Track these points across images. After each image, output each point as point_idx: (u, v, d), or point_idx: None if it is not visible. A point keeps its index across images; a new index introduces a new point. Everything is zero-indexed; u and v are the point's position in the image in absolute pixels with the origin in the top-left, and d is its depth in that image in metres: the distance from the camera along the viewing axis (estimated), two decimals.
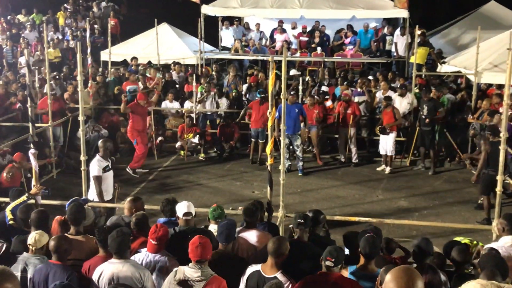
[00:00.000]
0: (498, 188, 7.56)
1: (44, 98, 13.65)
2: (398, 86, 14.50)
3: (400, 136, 13.81)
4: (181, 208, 6.41)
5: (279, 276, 5.32)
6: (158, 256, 5.75)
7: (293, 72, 17.79)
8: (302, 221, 6.06)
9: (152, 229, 5.78)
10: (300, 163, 13.29)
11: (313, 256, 5.85)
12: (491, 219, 10.10)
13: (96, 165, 9.05)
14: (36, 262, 5.70)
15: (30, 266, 5.69)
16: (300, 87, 14.61)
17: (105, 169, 9.18)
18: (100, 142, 9.33)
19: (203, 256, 5.21)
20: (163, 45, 18.77)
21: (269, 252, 5.40)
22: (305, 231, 6.11)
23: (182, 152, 14.57)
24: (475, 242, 6.76)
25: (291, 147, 13.35)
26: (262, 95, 13.68)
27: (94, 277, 5.44)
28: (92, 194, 9.06)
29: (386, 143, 13.34)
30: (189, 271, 5.20)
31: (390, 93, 14.28)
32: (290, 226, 6.60)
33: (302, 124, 13.33)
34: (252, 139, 14.10)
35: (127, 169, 13.17)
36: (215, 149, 14.81)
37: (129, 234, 5.73)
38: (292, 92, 13.44)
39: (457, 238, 6.84)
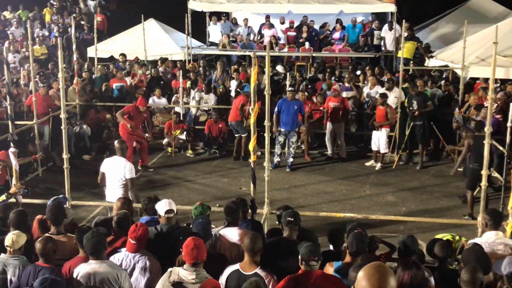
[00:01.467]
0: (483, 183, 7.54)
1: (31, 95, 13.53)
2: (386, 80, 14.45)
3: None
4: (162, 206, 6.34)
5: (259, 271, 5.29)
6: (137, 256, 5.67)
7: (279, 68, 17.72)
8: (292, 219, 6.00)
9: (132, 228, 5.71)
10: (291, 159, 13.25)
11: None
12: (473, 214, 10.17)
13: (131, 167, 8.76)
14: (15, 263, 5.62)
15: (9, 267, 5.61)
16: (288, 83, 14.55)
17: None
18: (116, 143, 9.04)
19: (199, 258, 5.12)
20: (150, 41, 18.67)
21: (245, 249, 5.37)
22: (295, 229, 6.05)
23: (169, 149, 14.50)
24: (457, 237, 6.74)
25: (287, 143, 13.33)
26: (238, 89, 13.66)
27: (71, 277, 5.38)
28: (114, 196, 8.63)
29: (379, 140, 13.26)
30: (184, 273, 5.12)
31: (377, 87, 14.25)
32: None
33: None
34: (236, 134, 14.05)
35: (139, 168, 13.00)
36: (203, 146, 14.74)
37: (105, 234, 5.66)
38: (289, 89, 13.39)
39: (439, 235, 6.81)
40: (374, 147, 13.47)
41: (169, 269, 5.27)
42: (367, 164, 13.56)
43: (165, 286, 5.12)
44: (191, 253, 5.10)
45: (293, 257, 5.71)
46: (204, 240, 5.68)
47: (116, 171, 8.73)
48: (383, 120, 13.12)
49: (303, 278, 5.14)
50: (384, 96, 13.19)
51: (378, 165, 13.34)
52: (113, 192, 8.73)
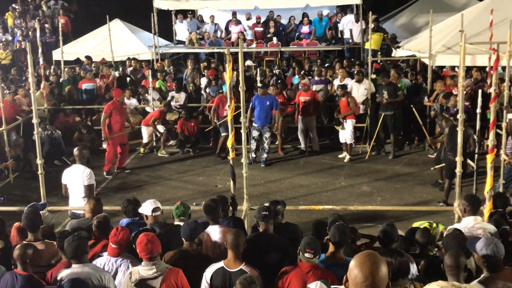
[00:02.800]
0: (458, 169, 7.66)
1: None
2: (355, 72, 14.56)
3: (360, 122, 13.84)
4: (148, 206, 6.33)
5: (244, 267, 5.31)
6: (119, 260, 5.65)
7: (248, 63, 17.72)
8: (267, 213, 6.03)
9: (112, 232, 5.67)
10: (265, 155, 13.29)
11: (281, 247, 5.85)
12: (447, 201, 10.35)
13: (91, 174, 8.39)
14: None
15: None
16: (258, 78, 14.56)
17: None
18: (75, 150, 8.63)
19: (154, 251, 5.18)
20: (116, 41, 18.46)
21: (229, 246, 5.38)
22: (270, 222, 6.08)
23: (142, 150, 14.38)
24: (434, 224, 6.85)
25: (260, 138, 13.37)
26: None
27: (55, 284, 5.30)
28: (76, 202, 8.47)
29: (345, 132, 13.37)
30: (144, 270, 5.16)
31: (347, 80, 14.35)
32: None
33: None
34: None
35: (104, 174, 12.83)
36: (175, 145, 14.67)
37: (86, 238, 5.61)
38: (259, 85, 13.40)
39: (416, 224, 6.91)
40: (342, 139, 13.55)
41: (128, 270, 5.31)
42: (340, 156, 13.67)
43: (129, 287, 5.14)
44: (146, 248, 5.16)
45: (272, 251, 5.74)
46: (188, 240, 5.69)
47: (77, 180, 8.33)
48: (347, 110, 13.20)
49: (300, 271, 5.25)
50: (344, 87, 13.30)
51: (347, 157, 13.43)
52: (78, 202, 8.38)
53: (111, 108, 12.74)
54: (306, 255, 5.26)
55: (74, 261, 5.30)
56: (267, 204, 6.60)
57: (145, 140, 14.41)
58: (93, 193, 8.45)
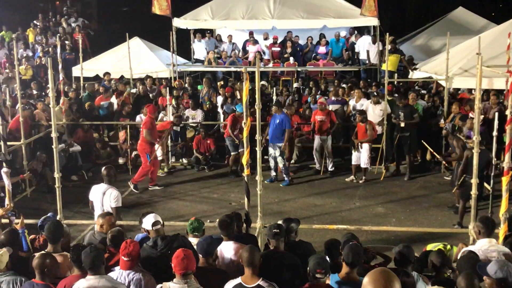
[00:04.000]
0: (473, 191, 7.64)
1: (16, 117, 13.47)
2: (373, 93, 14.59)
3: (376, 143, 13.82)
4: (148, 220, 6.37)
5: (262, 283, 5.29)
6: (132, 273, 5.64)
7: (262, 82, 17.79)
8: (278, 230, 6.05)
9: (122, 246, 5.68)
10: (284, 176, 13.36)
11: (292, 265, 5.85)
12: (462, 223, 10.29)
13: (119, 196, 8.52)
14: (7, 278, 5.64)
15: (3, 284, 5.61)
16: (274, 97, 14.67)
17: None
18: (103, 170, 8.76)
19: (189, 267, 5.13)
20: (135, 59, 18.70)
21: (245, 263, 5.37)
22: (281, 240, 6.10)
23: (160, 171, 14.33)
24: (448, 246, 6.82)
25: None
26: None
27: None
28: None
29: (361, 155, 13.24)
30: (175, 286, 5.11)
31: (363, 100, 14.38)
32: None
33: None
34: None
35: (129, 183, 12.94)
36: (190, 162, 14.75)
37: (103, 250, 5.65)
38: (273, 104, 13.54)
39: (430, 246, 6.89)
40: (354, 161, 13.40)
41: (159, 285, 5.26)
42: (347, 180, 13.46)
43: None
44: (181, 263, 5.10)
45: (284, 269, 5.75)
46: (204, 256, 5.70)
47: (102, 199, 8.48)
48: (364, 137, 13.12)
49: None
50: (362, 113, 13.23)
51: (362, 179, 13.36)
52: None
53: (150, 123, 12.87)
54: (317, 275, 5.22)
55: (91, 272, 5.31)
56: (280, 222, 6.61)
57: (159, 155, 14.36)
58: (119, 215, 8.55)
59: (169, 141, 14.53)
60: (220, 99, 16.16)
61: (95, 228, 7.99)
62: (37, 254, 5.64)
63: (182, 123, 14.80)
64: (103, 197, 8.49)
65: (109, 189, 8.50)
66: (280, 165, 13.28)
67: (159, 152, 14.01)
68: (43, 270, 5.39)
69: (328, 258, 6.19)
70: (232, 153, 13.86)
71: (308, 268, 5.33)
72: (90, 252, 5.35)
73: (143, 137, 12.89)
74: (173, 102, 15.30)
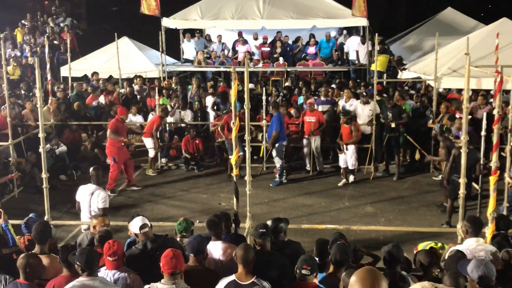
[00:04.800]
0: (461, 191, 7.66)
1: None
2: (363, 94, 14.61)
3: (365, 143, 13.84)
4: (136, 223, 6.30)
5: (256, 281, 5.30)
6: (117, 273, 5.59)
7: (251, 86, 17.73)
8: (264, 230, 6.05)
9: (106, 247, 5.62)
10: (277, 176, 13.44)
11: (279, 265, 5.84)
12: (451, 222, 10.34)
13: (106, 197, 8.61)
14: None
15: None
16: (264, 97, 14.62)
17: None
18: (92, 170, 8.82)
19: (178, 267, 5.11)
20: (124, 59, 18.62)
21: (239, 260, 5.37)
22: (267, 240, 6.09)
23: (150, 171, 14.28)
24: (439, 244, 6.83)
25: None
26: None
27: None
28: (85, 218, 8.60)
29: (348, 157, 13.20)
30: (163, 287, 5.09)
31: (353, 100, 14.41)
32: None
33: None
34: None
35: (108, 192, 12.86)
36: (182, 163, 14.73)
37: (98, 252, 5.61)
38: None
39: (421, 245, 6.89)
40: (342, 164, 13.38)
41: (146, 286, 5.22)
42: (340, 184, 13.35)
43: None
44: (170, 262, 5.10)
45: (270, 269, 5.73)
46: (194, 255, 5.68)
47: (87, 198, 8.53)
48: (349, 138, 13.11)
49: None
50: (346, 114, 13.23)
51: (351, 178, 13.33)
52: (86, 219, 8.49)
53: (116, 124, 12.86)
54: (303, 271, 5.24)
55: (85, 273, 5.21)
56: (268, 222, 6.59)
57: (151, 154, 14.29)
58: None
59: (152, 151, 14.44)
60: (209, 100, 16.11)
61: (86, 228, 8.00)
62: (21, 255, 5.59)
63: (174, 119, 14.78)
64: (91, 197, 8.50)
65: (97, 190, 8.52)
66: (277, 165, 13.29)
67: (151, 151, 14.00)
68: (26, 270, 5.34)
69: (317, 257, 6.20)
70: (230, 156, 13.46)
71: (296, 266, 5.33)
72: (86, 250, 5.30)
73: (109, 140, 12.88)
74: (161, 101, 15.23)
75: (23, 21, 24.87)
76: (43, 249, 6.07)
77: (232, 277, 5.37)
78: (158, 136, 14.24)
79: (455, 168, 10.26)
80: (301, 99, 15.50)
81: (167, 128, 15.39)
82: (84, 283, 5.16)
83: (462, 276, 5.08)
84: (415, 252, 6.69)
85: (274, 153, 13.21)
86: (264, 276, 5.54)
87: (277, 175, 13.41)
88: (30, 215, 7.35)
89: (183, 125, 15.36)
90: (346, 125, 13.07)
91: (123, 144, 12.99)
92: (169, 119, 14.94)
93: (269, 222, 6.55)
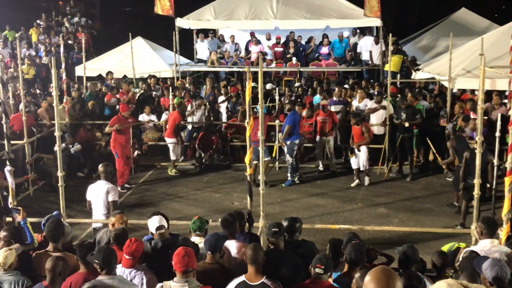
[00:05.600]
0: (476, 192, 7.64)
1: (15, 115, 13.50)
2: (375, 93, 14.59)
3: (379, 143, 13.81)
4: (153, 223, 6.32)
5: (266, 281, 5.31)
6: (133, 272, 5.64)
7: (269, 86, 17.74)
8: (277, 229, 6.06)
9: (126, 244, 5.68)
10: (288, 175, 13.43)
11: (292, 264, 5.85)
12: (465, 224, 10.30)
13: (116, 191, 8.60)
14: (10, 278, 5.60)
15: (5, 283, 5.59)
16: (277, 98, 14.68)
17: None
18: (100, 167, 8.81)
19: (190, 265, 5.12)
20: (138, 59, 18.74)
21: (248, 261, 5.38)
22: (281, 239, 6.10)
23: (173, 171, 14.34)
24: (463, 244, 6.79)
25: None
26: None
27: None
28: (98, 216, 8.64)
29: (360, 158, 13.15)
30: (176, 286, 5.10)
31: (366, 101, 14.39)
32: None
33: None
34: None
35: (119, 188, 12.96)
36: (196, 161, 14.77)
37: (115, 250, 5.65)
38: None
39: (446, 246, 6.82)
40: (354, 165, 13.33)
41: (159, 284, 5.25)
42: (352, 185, 13.29)
43: None
44: (182, 260, 5.10)
45: (283, 267, 5.74)
46: (211, 252, 5.70)
47: (100, 196, 8.51)
48: (360, 139, 13.05)
49: (311, 286, 5.24)
50: (356, 116, 13.17)
51: (367, 179, 13.22)
52: (99, 217, 8.54)
53: (115, 120, 13.00)
54: (317, 270, 5.27)
55: (104, 271, 5.25)
56: (284, 222, 6.59)
57: (172, 156, 14.30)
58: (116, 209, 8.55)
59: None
60: (221, 99, 16.16)
61: (98, 227, 8.05)
62: (49, 258, 5.58)
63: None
64: (104, 194, 8.53)
65: (107, 185, 8.54)
66: (288, 162, 13.32)
67: (173, 153, 13.99)
68: (54, 274, 5.36)
69: (331, 257, 6.21)
70: (254, 162, 12.67)
71: (310, 265, 5.35)
72: (105, 248, 5.34)
73: (113, 135, 13.03)
74: (175, 101, 15.29)
75: (38, 21, 25.04)
76: (56, 247, 6.12)
77: (242, 277, 5.39)
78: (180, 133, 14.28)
79: (468, 171, 10.23)
80: (317, 99, 15.44)
81: (187, 128, 15.37)
82: (102, 282, 5.20)
83: (478, 277, 5.07)
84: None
85: (285, 149, 13.23)
86: (277, 275, 5.56)
87: (288, 175, 13.38)
88: (54, 213, 7.43)
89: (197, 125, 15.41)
90: (357, 126, 13.03)
91: (125, 141, 13.12)
92: (189, 118, 14.97)
93: (284, 222, 6.55)
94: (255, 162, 12.14)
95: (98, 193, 8.54)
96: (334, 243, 6.33)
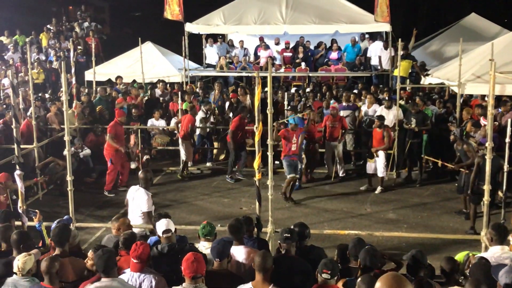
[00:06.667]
0: (486, 198, 7.60)
1: (25, 121, 13.60)
2: (385, 98, 14.55)
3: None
4: (160, 226, 6.34)
5: None
6: (142, 275, 5.64)
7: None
8: (289, 235, 6.04)
9: (132, 248, 5.68)
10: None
11: (303, 270, 5.83)
12: (475, 228, 10.26)
13: (148, 200, 8.59)
14: (26, 284, 5.58)
15: None
16: (286, 102, 14.66)
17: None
18: (140, 173, 8.82)
19: (199, 271, 5.12)
20: (147, 63, 18.79)
21: (256, 268, 5.35)
22: (292, 245, 6.08)
23: (184, 174, 14.42)
24: (477, 253, 6.73)
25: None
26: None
27: None
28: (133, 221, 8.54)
29: (377, 164, 13.03)
30: None
31: (375, 106, 14.36)
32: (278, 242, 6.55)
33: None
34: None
35: (106, 193, 13.09)
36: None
37: (114, 252, 5.66)
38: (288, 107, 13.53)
39: (460, 255, 6.77)
40: (369, 170, 13.24)
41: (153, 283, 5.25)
42: (362, 188, 13.27)
43: None
44: (191, 266, 5.10)
45: (294, 273, 5.73)
46: (219, 259, 5.69)
47: (136, 201, 8.65)
48: (380, 144, 12.93)
49: None
50: (381, 118, 13.05)
51: (379, 189, 13.08)
52: (134, 220, 8.49)
53: (115, 128, 13.02)
54: (324, 275, 5.24)
55: (104, 275, 5.31)
56: (293, 227, 6.58)
57: (183, 156, 14.21)
58: (151, 219, 8.41)
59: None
60: (227, 104, 16.21)
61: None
62: (44, 258, 5.65)
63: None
64: (133, 199, 8.64)
65: (143, 192, 8.60)
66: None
67: (184, 155, 13.99)
68: (51, 273, 5.41)
69: (339, 263, 6.19)
70: (288, 176, 12.29)
71: (316, 270, 5.34)
72: (103, 254, 5.37)
73: (107, 142, 13.07)
74: (184, 106, 15.31)
75: (48, 26, 25.19)
76: (63, 251, 6.13)
77: (249, 285, 5.37)
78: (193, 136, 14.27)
79: (480, 176, 10.19)
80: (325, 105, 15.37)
81: (197, 132, 15.33)
82: (102, 285, 5.27)
83: (484, 283, 5.04)
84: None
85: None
86: (287, 281, 5.54)
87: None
88: (65, 217, 7.45)
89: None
90: (379, 130, 12.89)
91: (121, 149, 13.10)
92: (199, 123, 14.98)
93: (294, 228, 6.54)
94: (291, 175, 12.08)
95: (134, 199, 8.65)
96: (342, 248, 6.30)
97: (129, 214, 8.63)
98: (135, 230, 8.31)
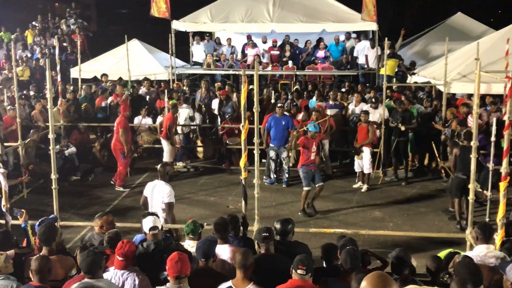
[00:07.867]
0: (470, 197, 7.63)
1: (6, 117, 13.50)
2: (371, 98, 14.59)
3: (374, 147, 13.78)
4: (147, 223, 6.32)
5: (252, 287, 5.28)
6: (126, 273, 5.61)
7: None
8: (267, 234, 6.03)
9: (118, 245, 5.66)
10: (286, 175, 13.42)
11: (285, 268, 5.81)
12: (461, 223, 10.33)
13: (171, 191, 8.62)
14: (1, 283, 5.55)
15: None
16: (273, 101, 14.65)
17: None
18: (159, 167, 8.84)
19: (183, 271, 5.09)
20: (133, 61, 18.66)
21: (237, 265, 5.35)
22: (271, 243, 6.08)
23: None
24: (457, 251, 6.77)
25: (278, 160, 13.56)
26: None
27: None
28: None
29: (363, 161, 13.10)
30: None
31: (362, 105, 14.39)
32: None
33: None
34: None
35: (116, 188, 13.15)
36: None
37: (101, 253, 5.61)
38: (279, 105, 13.48)
39: (444, 252, 6.79)
40: (357, 168, 13.35)
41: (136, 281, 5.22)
42: (355, 186, 13.37)
43: None
44: (175, 266, 5.08)
45: (276, 272, 5.71)
46: (204, 259, 5.67)
47: (158, 195, 8.64)
48: (365, 138, 13.03)
49: None
50: (367, 113, 13.18)
51: (365, 187, 13.17)
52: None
53: (124, 122, 13.06)
54: (299, 271, 5.21)
55: (87, 276, 5.25)
56: (277, 224, 6.57)
57: (165, 158, 13.87)
58: (172, 210, 8.73)
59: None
60: (215, 102, 16.13)
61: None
62: (34, 257, 5.59)
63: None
64: (153, 193, 8.68)
65: (163, 185, 8.65)
66: (286, 166, 13.35)
67: (167, 155, 13.88)
68: (41, 272, 5.34)
69: (324, 262, 6.19)
70: (305, 188, 11.73)
71: (291, 266, 5.30)
72: (87, 256, 5.30)
73: (117, 137, 13.01)
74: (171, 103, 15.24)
75: (33, 23, 24.99)
76: (50, 250, 6.08)
77: (229, 283, 5.36)
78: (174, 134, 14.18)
79: (458, 166, 10.42)
80: (313, 102, 15.38)
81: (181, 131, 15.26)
82: (91, 283, 5.15)
83: (470, 282, 5.05)
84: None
85: (284, 154, 13.36)
86: (269, 279, 5.52)
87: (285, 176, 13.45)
88: (51, 216, 7.39)
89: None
90: (364, 124, 12.96)
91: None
92: (182, 121, 14.92)
93: (277, 224, 6.53)
94: (307, 188, 11.70)
95: (155, 193, 8.66)
96: (327, 248, 6.28)
97: (151, 209, 8.58)
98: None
